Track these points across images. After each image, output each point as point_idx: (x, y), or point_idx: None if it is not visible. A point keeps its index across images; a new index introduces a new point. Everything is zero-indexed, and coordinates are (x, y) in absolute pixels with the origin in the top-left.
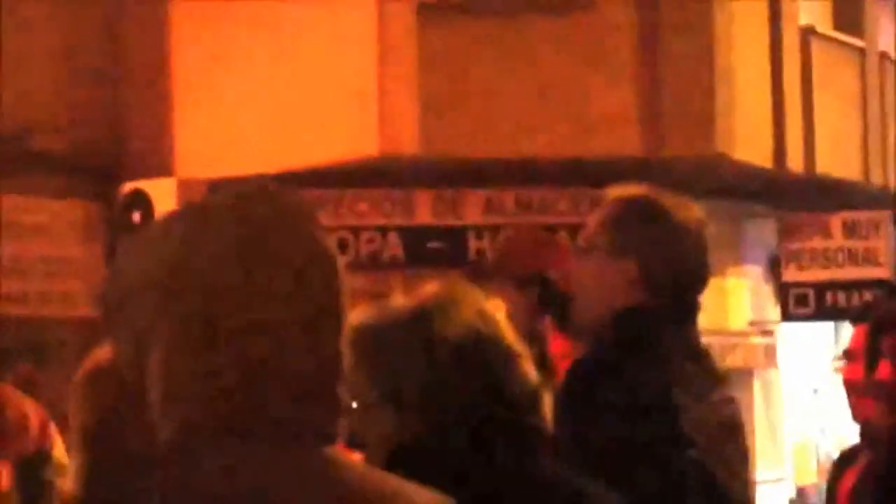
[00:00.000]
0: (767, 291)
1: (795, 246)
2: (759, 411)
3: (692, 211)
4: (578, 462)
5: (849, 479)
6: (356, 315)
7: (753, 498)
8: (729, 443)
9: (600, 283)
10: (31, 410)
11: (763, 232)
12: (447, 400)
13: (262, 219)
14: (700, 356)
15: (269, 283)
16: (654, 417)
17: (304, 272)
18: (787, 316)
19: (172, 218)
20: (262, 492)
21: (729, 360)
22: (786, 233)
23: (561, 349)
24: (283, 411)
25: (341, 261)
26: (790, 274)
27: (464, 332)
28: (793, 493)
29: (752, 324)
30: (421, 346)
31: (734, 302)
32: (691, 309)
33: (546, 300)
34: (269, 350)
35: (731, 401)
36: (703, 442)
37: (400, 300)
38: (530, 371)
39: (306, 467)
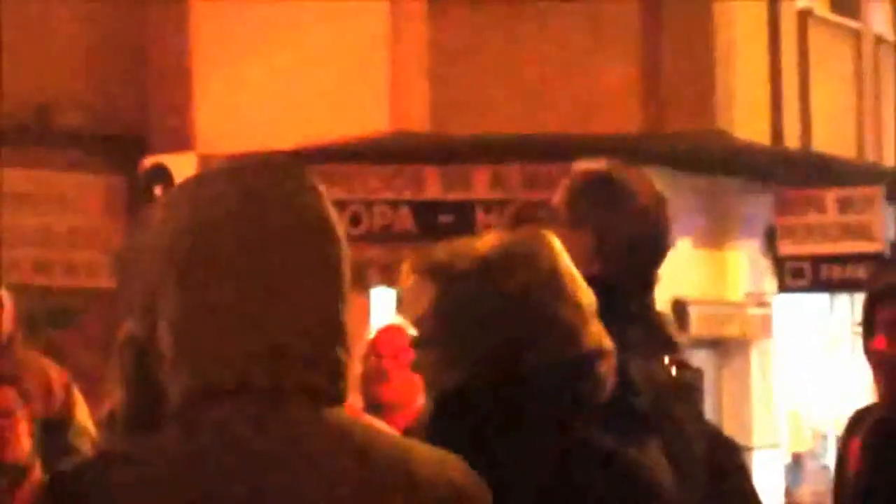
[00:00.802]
0: (764, 264)
1: (791, 220)
2: (756, 380)
3: (650, 186)
4: None
5: (856, 439)
6: (437, 250)
7: (704, 454)
8: (678, 402)
9: None
10: (55, 374)
11: (760, 207)
12: (484, 356)
13: (261, 189)
14: (651, 324)
15: (266, 251)
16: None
17: (301, 240)
18: (783, 288)
19: (179, 189)
20: (261, 449)
21: (726, 331)
22: (782, 208)
23: None
24: (283, 374)
25: (341, 229)
26: (786, 247)
27: (516, 289)
28: (788, 460)
29: (748, 295)
30: (474, 299)
31: (732, 274)
32: (646, 279)
33: None
34: (265, 315)
35: (684, 365)
36: (650, 395)
37: (485, 240)
38: (590, 333)
39: (305, 427)
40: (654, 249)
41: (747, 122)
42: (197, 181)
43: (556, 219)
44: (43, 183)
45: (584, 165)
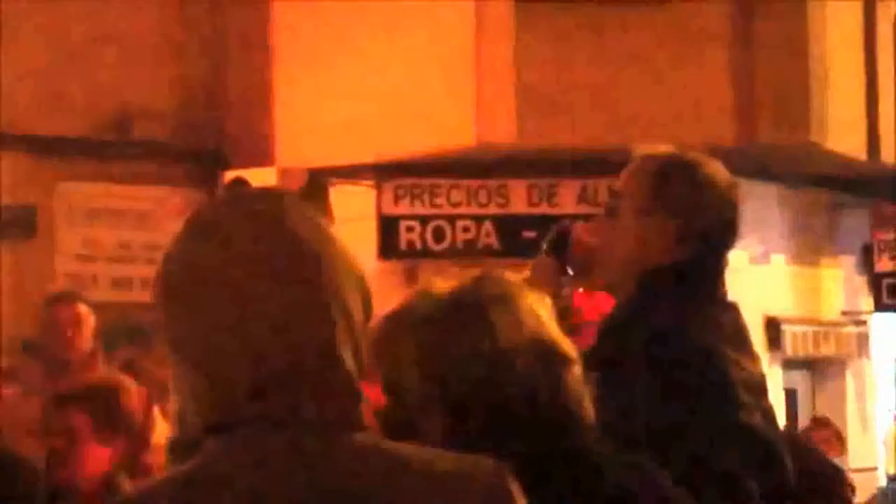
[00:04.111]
0: (860, 282)
1: (888, 236)
2: (851, 400)
3: (724, 169)
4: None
5: None
6: (409, 299)
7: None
8: (763, 397)
9: (638, 240)
10: (135, 394)
11: (856, 222)
12: (495, 409)
13: (249, 228)
14: (728, 308)
15: (258, 289)
16: (703, 369)
17: (290, 274)
18: (879, 306)
19: (184, 224)
20: (276, 479)
21: (822, 350)
22: (878, 223)
23: (581, 303)
24: (274, 407)
25: (343, 258)
26: (882, 264)
27: (521, 334)
28: (883, 482)
29: (844, 313)
30: (476, 347)
31: (827, 292)
32: (722, 264)
33: (562, 252)
34: (257, 349)
35: (758, 356)
36: (749, 399)
37: (442, 285)
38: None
39: (315, 457)
40: (733, 233)
41: (842, 136)
42: (192, 221)
43: (628, 205)
44: (122, 197)
45: (648, 150)
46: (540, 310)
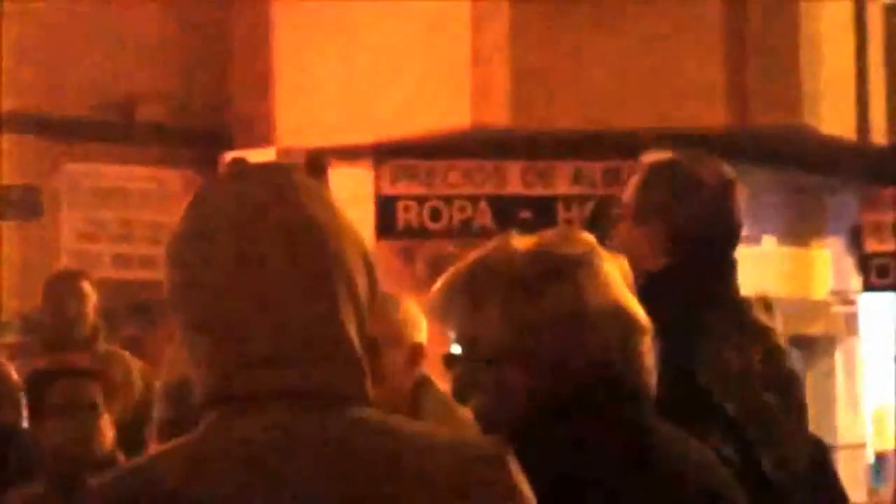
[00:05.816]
0: (849, 262)
1: (877, 218)
2: (841, 378)
3: (717, 169)
4: None
5: None
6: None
7: (802, 449)
8: (771, 392)
9: (629, 249)
10: (137, 370)
11: (845, 204)
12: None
13: (254, 197)
14: (732, 309)
15: (263, 259)
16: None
17: (295, 245)
18: (868, 286)
19: (192, 198)
20: (280, 452)
21: (811, 329)
22: (868, 205)
23: None
24: (289, 377)
25: (344, 228)
26: (871, 245)
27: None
28: (872, 459)
29: (834, 293)
30: (563, 307)
31: (817, 272)
32: (722, 264)
33: (601, 227)
34: (255, 322)
35: (777, 351)
36: (734, 394)
37: (523, 243)
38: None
39: (319, 429)
40: (726, 233)
41: (833, 118)
42: (200, 191)
43: (625, 213)
44: (125, 178)
45: (650, 157)
46: (617, 274)
